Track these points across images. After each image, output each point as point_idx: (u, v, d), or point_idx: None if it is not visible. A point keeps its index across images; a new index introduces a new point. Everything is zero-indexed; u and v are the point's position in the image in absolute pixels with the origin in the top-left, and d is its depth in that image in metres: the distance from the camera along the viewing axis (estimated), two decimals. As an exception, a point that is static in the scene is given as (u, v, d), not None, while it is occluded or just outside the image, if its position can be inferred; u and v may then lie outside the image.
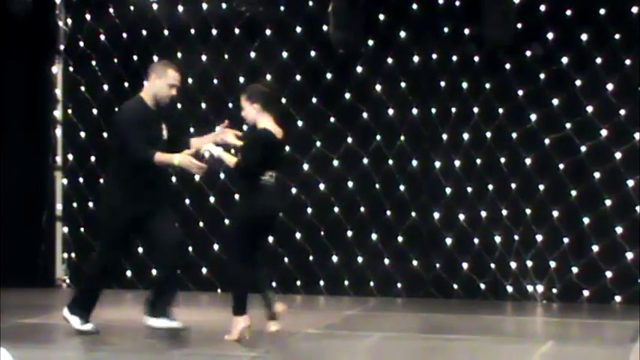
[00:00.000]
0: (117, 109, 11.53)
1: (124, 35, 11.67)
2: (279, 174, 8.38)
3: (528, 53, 10.75)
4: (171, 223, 8.46)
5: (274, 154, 8.13)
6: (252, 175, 8.03)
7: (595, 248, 10.58)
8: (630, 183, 10.50)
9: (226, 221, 11.27)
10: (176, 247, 8.32)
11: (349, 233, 11.05)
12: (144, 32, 11.64)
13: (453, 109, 10.93)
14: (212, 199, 11.45)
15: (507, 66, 10.80)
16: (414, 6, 10.99)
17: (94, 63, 11.74)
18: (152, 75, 8.27)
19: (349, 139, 11.13)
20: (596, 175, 10.58)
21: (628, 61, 10.50)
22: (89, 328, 8.45)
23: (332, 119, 11.16)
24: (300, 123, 11.09)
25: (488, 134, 10.86)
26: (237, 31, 11.41)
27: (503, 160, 10.82)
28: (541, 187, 10.72)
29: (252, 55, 11.34)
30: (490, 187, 10.84)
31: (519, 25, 10.60)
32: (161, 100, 8.29)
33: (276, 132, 8.11)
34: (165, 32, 11.59)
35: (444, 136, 10.94)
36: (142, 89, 8.54)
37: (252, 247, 8.11)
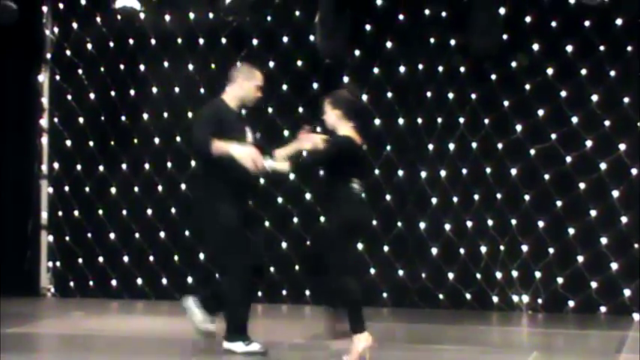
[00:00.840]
0: (103, 117, 11.66)
1: (111, 44, 11.68)
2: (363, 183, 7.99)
3: (514, 64, 10.79)
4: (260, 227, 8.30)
5: (356, 161, 7.89)
6: (340, 183, 7.75)
7: (580, 259, 10.61)
8: (615, 194, 10.54)
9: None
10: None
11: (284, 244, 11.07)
12: (131, 41, 11.65)
13: (439, 120, 10.96)
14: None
15: (493, 76, 10.84)
16: (401, 16, 11.02)
17: (80, 72, 11.75)
18: (239, 77, 8.09)
19: (335, 149, 11.13)
20: (582, 185, 10.62)
21: (613, 73, 10.55)
22: (256, 348, 7.94)
23: (318, 129, 11.15)
24: (286, 132, 11.10)
25: (474, 144, 10.89)
26: (223, 40, 11.43)
27: (488, 170, 10.85)
28: (526, 197, 10.75)
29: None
30: (476, 197, 10.87)
31: (505, 36, 10.65)
32: (247, 102, 8.14)
33: (357, 140, 7.90)
34: (152, 41, 11.60)
35: (430, 146, 10.97)
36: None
37: (349, 259, 7.83)
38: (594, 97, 10.61)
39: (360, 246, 10.98)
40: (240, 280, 7.77)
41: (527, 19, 10.74)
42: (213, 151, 7.71)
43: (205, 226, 8.06)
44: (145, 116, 11.64)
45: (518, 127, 10.78)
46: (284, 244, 11.20)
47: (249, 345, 7.86)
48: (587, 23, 10.59)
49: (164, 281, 11.53)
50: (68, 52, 11.78)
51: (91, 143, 11.74)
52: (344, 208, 7.70)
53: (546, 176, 10.71)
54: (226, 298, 7.87)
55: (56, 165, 11.83)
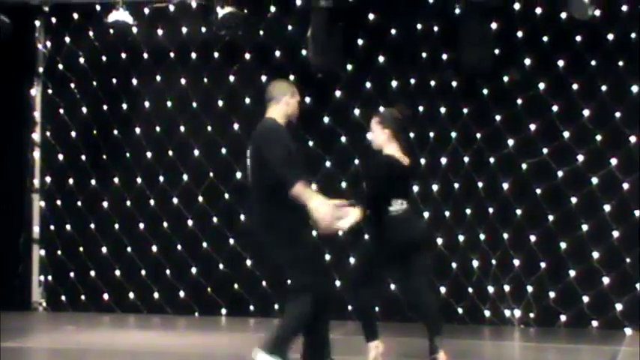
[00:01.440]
0: (95, 131, 11.64)
1: (103, 58, 11.69)
2: (410, 203, 8.01)
3: (506, 79, 10.82)
4: None
5: (400, 181, 7.88)
6: (380, 204, 7.77)
7: (572, 273, 10.62)
8: (607, 208, 10.56)
9: (204, 244, 11.28)
10: None
11: (327, 257, 11.05)
12: (123, 55, 11.66)
13: (431, 134, 10.98)
14: (190, 223, 11.45)
15: (485, 91, 10.87)
16: (393, 31, 11.05)
17: (73, 85, 11.76)
18: (286, 94, 7.56)
19: (327, 163, 11.16)
20: (573, 200, 10.65)
21: (604, 87, 10.59)
22: None
23: (310, 143, 11.18)
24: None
25: (466, 159, 10.91)
26: (216, 54, 11.45)
27: (480, 184, 10.87)
28: (518, 211, 10.77)
29: (232, 78, 11.38)
30: (468, 211, 10.89)
31: (497, 51, 10.68)
32: (292, 119, 7.67)
33: (402, 160, 7.91)
34: (145, 55, 11.61)
35: (423, 161, 10.98)
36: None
37: (378, 274, 8.01)
38: (586, 112, 10.64)
39: (352, 260, 10.99)
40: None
41: (519, 34, 10.78)
42: (293, 192, 7.14)
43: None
44: (137, 130, 11.65)
45: (510, 142, 10.81)
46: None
47: None
48: (578, 38, 10.63)
49: (156, 295, 11.51)
50: (60, 66, 11.79)
51: (83, 157, 11.74)
52: (379, 231, 7.84)
53: (538, 190, 10.73)
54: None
55: (48, 179, 11.83)
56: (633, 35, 10.52)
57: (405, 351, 9.45)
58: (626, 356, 9.10)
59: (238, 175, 11.24)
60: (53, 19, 11.79)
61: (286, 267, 7.39)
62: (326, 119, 11.18)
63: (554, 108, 10.71)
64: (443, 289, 10.89)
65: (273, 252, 7.44)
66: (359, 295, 7.95)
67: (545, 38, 10.71)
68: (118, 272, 11.60)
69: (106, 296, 11.62)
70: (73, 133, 11.77)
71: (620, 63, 10.55)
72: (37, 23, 11.79)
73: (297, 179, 7.13)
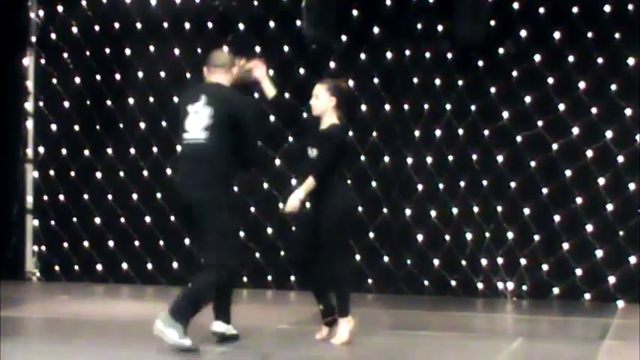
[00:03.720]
0: (88, 101, 11.60)
1: (96, 28, 11.63)
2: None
3: (501, 51, 10.78)
4: None
5: (346, 151, 8.15)
6: (336, 174, 7.91)
7: (565, 246, 10.63)
8: (601, 181, 10.55)
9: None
10: None
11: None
12: (116, 25, 11.60)
13: (426, 106, 10.95)
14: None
15: (480, 63, 10.83)
16: (388, 2, 10.99)
17: (65, 55, 11.70)
18: (235, 66, 7.99)
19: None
20: (567, 173, 10.63)
21: (600, 60, 10.55)
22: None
23: (304, 114, 11.13)
24: (272, 118, 11.08)
25: (461, 131, 10.88)
26: (210, 25, 11.39)
27: (475, 157, 10.85)
28: (512, 184, 10.76)
29: (225, 49, 11.29)
30: (462, 183, 10.87)
31: (492, 23, 10.63)
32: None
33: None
34: (138, 25, 11.55)
35: (417, 133, 10.96)
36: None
37: (347, 243, 8.08)
38: (581, 85, 10.61)
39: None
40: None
41: (515, 5, 10.73)
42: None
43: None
44: (131, 100, 11.61)
45: (505, 114, 10.78)
46: (269, 230, 11.19)
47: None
48: (574, 10, 10.58)
49: (149, 266, 11.51)
50: (53, 36, 11.73)
51: (77, 127, 11.70)
52: (342, 199, 7.87)
53: (532, 163, 10.72)
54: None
55: (41, 149, 11.80)
56: (630, 7, 10.47)
57: (397, 323, 9.47)
58: (618, 329, 9.13)
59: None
60: (46, -12, 11.74)
61: (215, 235, 7.54)
62: (320, 90, 11.12)
63: (550, 80, 10.67)
64: (436, 262, 10.90)
65: (206, 214, 7.57)
66: (340, 271, 7.92)
67: (541, 10, 10.66)
68: (111, 243, 11.59)
69: (99, 266, 11.62)
70: (66, 103, 11.73)
71: (617, 35, 10.50)
72: (30, -8, 11.73)
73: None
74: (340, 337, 7.91)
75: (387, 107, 11.06)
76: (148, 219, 11.53)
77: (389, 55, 11.04)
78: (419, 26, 10.93)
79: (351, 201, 8.05)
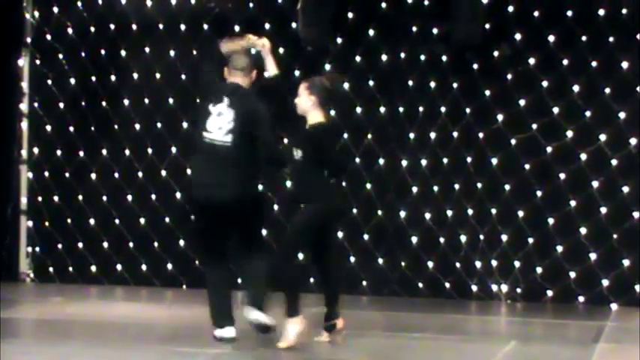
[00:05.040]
0: (83, 103, 11.59)
1: (92, 29, 11.63)
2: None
3: (496, 53, 10.80)
4: None
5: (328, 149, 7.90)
6: (317, 172, 7.76)
7: (559, 249, 10.64)
8: (595, 184, 10.57)
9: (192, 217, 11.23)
10: None
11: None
12: (112, 26, 11.60)
13: (421, 108, 10.96)
14: (178, 195, 11.43)
15: (475, 66, 10.84)
16: (383, 4, 11.01)
17: (61, 56, 11.69)
18: (254, 71, 8.14)
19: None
20: (562, 175, 10.65)
21: (594, 63, 10.57)
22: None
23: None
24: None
25: (455, 134, 10.90)
26: (205, 26, 11.39)
27: (469, 159, 10.86)
28: (507, 187, 10.77)
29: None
30: (456, 186, 10.89)
31: (487, 26, 10.65)
32: None
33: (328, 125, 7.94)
34: (134, 27, 11.55)
35: (411, 135, 10.97)
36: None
37: (309, 246, 7.87)
38: (575, 88, 10.63)
39: (340, 234, 11.00)
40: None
41: (510, 8, 10.75)
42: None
43: None
44: (126, 102, 11.60)
45: (500, 117, 10.80)
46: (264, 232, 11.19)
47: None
48: (569, 13, 10.61)
49: (144, 267, 11.50)
50: (49, 37, 11.73)
51: (71, 128, 11.69)
52: (317, 199, 7.70)
53: (526, 166, 10.73)
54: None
55: (36, 150, 11.79)
56: (624, 11, 10.50)
57: (391, 325, 9.48)
58: (612, 332, 9.14)
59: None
60: (41, -11, 11.73)
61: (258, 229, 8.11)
62: (315, 92, 11.12)
63: (544, 83, 10.69)
64: (430, 264, 10.91)
65: (246, 210, 7.82)
66: (291, 269, 7.77)
67: (535, 13, 10.68)
68: (105, 244, 11.58)
69: (93, 268, 11.61)
70: (61, 104, 11.72)
71: (611, 39, 10.53)
72: (25, -7, 11.73)
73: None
74: (285, 339, 7.67)
75: (382, 109, 11.08)
76: (142, 220, 11.52)
77: (384, 57, 11.05)
78: (414, 28, 10.95)
79: (325, 204, 7.74)
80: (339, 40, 11.12)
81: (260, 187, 8.40)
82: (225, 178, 7.67)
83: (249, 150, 7.75)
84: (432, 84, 10.94)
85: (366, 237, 11.05)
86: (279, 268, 7.75)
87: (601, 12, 10.54)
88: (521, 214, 10.73)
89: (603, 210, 10.54)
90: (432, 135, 10.94)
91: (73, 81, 11.70)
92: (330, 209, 7.83)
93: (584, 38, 10.58)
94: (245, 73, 8.00)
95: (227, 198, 7.66)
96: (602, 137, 10.56)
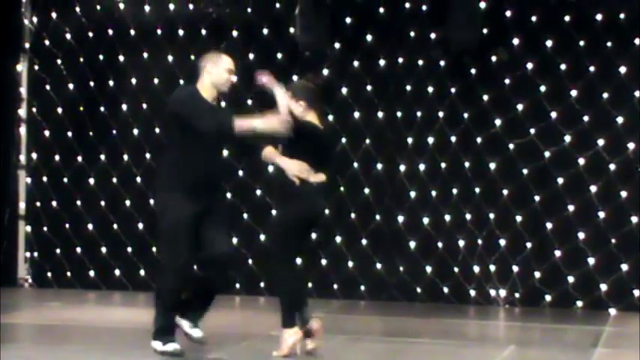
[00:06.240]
0: (81, 108, 11.59)
1: (90, 34, 11.63)
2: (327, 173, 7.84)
3: (494, 58, 10.81)
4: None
5: (320, 150, 7.71)
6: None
7: (557, 253, 10.65)
8: (593, 189, 10.58)
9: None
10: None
11: (313, 235, 11.05)
12: (110, 31, 11.60)
13: (419, 113, 10.97)
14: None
15: (473, 71, 10.86)
16: (381, 10, 11.02)
17: (59, 62, 11.70)
18: (206, 65, 7.66)
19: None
20: (560, 180, 10.66)
21: (592, 68, 10.58)
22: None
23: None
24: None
25: (453, 138, 10.90)
26: (203, 31, 11.40)
27: (467, 164, 10.87)
28: (505, 191, 10.78)
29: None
30: (454, 191, 10.89)
31: (485, 30, 10.66)
32: (221, 88, 7.68)
33: (319, 127, 7.76)
34: (132, 32, 11.56)
35: (409, 140, 10.98)
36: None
37: (294, 252, 7.70)
38: (573, 93, 10.64)
39: (338, 239, 11.01)
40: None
41: (508, 13, 10.76)
42: (236, 130, 7.44)
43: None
44: (124, 107, 11.61)
45: (498, 122, 10.81)
46: (262, 237, 11.19)
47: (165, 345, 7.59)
48: (567, 18, 10.62)
49: (142, 272, 11.50)
50: (47, 42, 11.73)
51: (70, 134, 11.70)
52: (299, 202, 7.57)
53: (525, 171, 10.74)
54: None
55: (34, 155, 11.79)
56: (622, 16, 10.51)
57: (389, 330, 9.48)
58: (610, 337, 9.14)
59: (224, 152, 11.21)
60: (40, -5, 11.74)
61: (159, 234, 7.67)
62: (313, 97, 11.13)
63: (542, 88, 10.70)
64: (429, 269, 10.91)
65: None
66: (283, 277, 7.63)
67: (533, 18, 10.69)
68: (104, 249, 11.58)
69: (91, 273, 11.61)
70: (60, 110, 11.72)
71: (609, 44, 10.54)
72: (24, -2, 11.74)
73: (231, 119, 7.46)
74: (280, 349, 7.58)
75: (380, 114, 11.08)
76: (140, 225, 11.52)
77: (382, 62, 11.06)
78: (412, 33, 10.96)
79: (308, 207, 7.59)
80: (336, 45, 11.13)
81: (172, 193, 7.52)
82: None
83: (173, 147, 7.53)
84: (430, 89, 10.96)
85: (364, 241, 11.05)
86: (273, 276, 7.69)
87: (599, 17, 10.56)
88: (519, 218, 10.74)
89: (601, 215, 10.55)
90: (430, 140, 10.95)
91: (71, 86, 11.71)
92: (310, 214, 7.65)
93: (581, 43, 10.59)
94: (199, 73, 7.68)
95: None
96: (600, 142, 10.57)
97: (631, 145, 10.53)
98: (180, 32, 11.47)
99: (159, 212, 7.60)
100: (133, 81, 11.59)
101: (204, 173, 7.51)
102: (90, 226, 11.63)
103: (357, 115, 11.11)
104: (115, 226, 11.57)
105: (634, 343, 8.49)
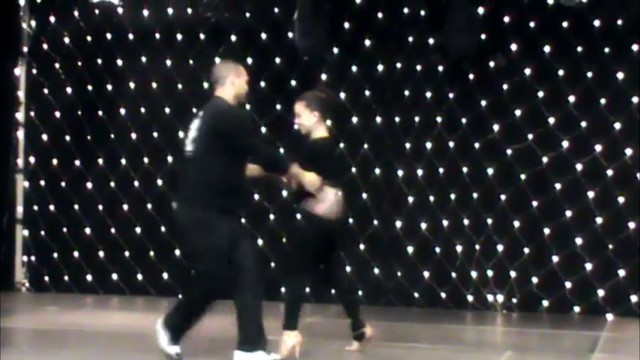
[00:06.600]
0: (79, 112, 11.59)
1: (89, 38, 11.64)
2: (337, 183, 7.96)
3: (492, 64, 10.82)
4: None
5: (332, 164, 7.91)
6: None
7: (555, 259, 10.66)
8: (590, 194, 10.59)
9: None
10: None
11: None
12: (108, 36, 11.61)
13: (417, 118, 10.98)
14: (174, 205, 11.41)
15: (471, 76, 10.87)
16: (379, 15, 11.03)
17: (57, 65, 11.70)
18: (229, 75, 7.47)
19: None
20: (557, 186, 10.67)
21: (590, 74, 10.60)
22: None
23: (296, 126, 11.15)
24: (263, 129, 11.10)
25: (451, 144, 10.91)
26: (202, 36, 11.41)
27: (465, 169, 10.88)
28: (502, 197, 10.79)
29: (217, 60, 11.33)
30: (452, 196, 10.90)
31: (483, 36, 10.67)
32: (241, 99, 7.59)
33: (332, 141, 7.94)
34: (130, 36, 11.57)
35: (407, 145, 10.99)
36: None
37: (312, 260, 7.83)
38: (571, 98, 10.65)
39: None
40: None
41: (506, 19, 10.77)
42: (288, 171, 7.52)
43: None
44: (122, 111, 11.61)
45: (495, 127, 10.82)
46: (260, 241, 11.19)
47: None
48: (565, 24, 10.63)
49: (139, 276, 11.50)
50: (45, 46, 11.74)
51: (68, 138, 11.70)
52: (309, 212, 7.75)
53: (522, 176, 10.75)
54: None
55: (32, 159, 11.79)
56: (619, 22, 10.53)
57: (387, 335, 9.48)
58: (607, 342, 9.15)
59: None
60: (38, -1, 11.75)
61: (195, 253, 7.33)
62: (311, 102, 11.14)
63: (540, 94, 10.72)
64: (426, 274, 10.91)
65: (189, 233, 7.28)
66: (295, 282, 7.84)
67: (531, 24, 10.71)
68: (101, 253, 11.58)
69: (89, 277, 11.61)
70: (58, 114, 11.72)
71: (606, 49, 10.56)
72: (22, 2, 11.72)
73: (286, 159, 7.51)
74: (280, 351, 7.66)
75: (378, 119, 11.09)
76: (138, 230, 11.52)
77: (380, 67, 11.07)
78: (410, 39, 10.97)
79: (323, 221, 7.80)
80: (335, 50, 11.14)
81: (210, 209, 7.28)
82: (182, 193, 7.35)
83: (212, 162, 7.26)
84: (428, 94, 10.97)
85: (361, 246, 11.05)
86: (284, 280, 7.82)
87: (596, 23, 10.57)
88: (516, 224, 10.75)
89: (599, 220, 10.56)
90: (428, 145, 10.96)
91: (69, 90, 11.71)
92: (327, 226, 7.84)
93: (579, 49, 10.61)
94: (220, 83, 7.48)
95: (180, 214, 7.31)
96: (598, 148, 10.58)
97: (628, 151, 10.54)
98: (179, 37, 11.48)
99: (202, 229, 7.19)
100: (132, 85, 11.60)
101: (242, 190, 7.47)
102: (87, 231, 11.63)
103: (355, 120, 11.12)
104: (113, 230, 11.57)
105: (631, 349, 8.49)
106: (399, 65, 11.02)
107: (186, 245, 7.21)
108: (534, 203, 10.71)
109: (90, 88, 11.64)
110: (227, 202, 7.25)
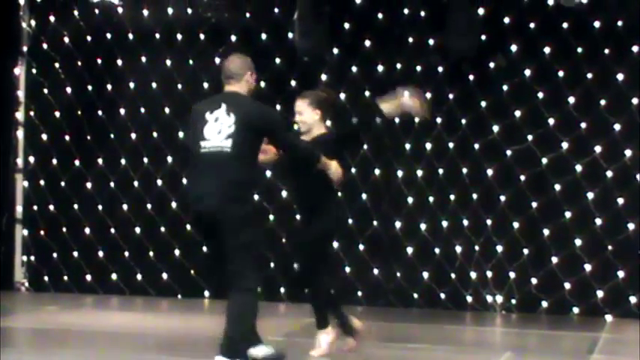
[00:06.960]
0: (79, 112, 11.59)
1: (89, 38, 11.63)
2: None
3: (492, 65, 10.82)
4: None
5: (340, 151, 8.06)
6: (328, 189, 7.77)
7: (554, 260, 10.65)
8: (590, 195, 10.59)
9: (188, 226, 11.22)
10: None
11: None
12: (108, 35, 11.61)
13: (416, 119, 10.97)
14: (173, 205, 11.43)
15: (471, 77, 10.86)
16: (379, 15, 11.03)
17: (57, 65, 11.70)
18: (247, 71, 7.44)
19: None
20: (557, 187, 10.67)
21: (590, 75, 10.59)
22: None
23: (296, 126, 11.15)
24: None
25: (451, 144, 10.91)
26: (202, 36, 11.41)
27: (465, 170, 10.87)
28: (502, 198, 10.79)
29: (217, 60, 11.33)
30: (452, 197, 10.89)
31: (483, 37, 10.67)
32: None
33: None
34: (130, 36, 11.56)
35: (407, 146, 10.98)
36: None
37: (327, 258, 8.03)
38: (571, 99, 10.65)
39: (335, 244, 11.00)
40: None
41: (506, 20, 10.77)
42: (318, 165, 7.56)
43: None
44: (122, 111, 11.61)
45: (495, 128, 10.82)
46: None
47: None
48: (565, 25, 10.63)
49: (139, 276, 11.50)
50: (45, 46, 11.73)
51: (67, 137, 11.69)
52: (331, 215, 7.83)
53: (522, 177, 10.75)
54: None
55: (32, 159, 11.78)
56: (620, 23, 10.53)
57: (386, 336, 9.48)
58: (606, 343, 9.15)
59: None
60: (38, -2, 11.75)
61: (242, 249, 7.08)
62: (311, 103, 11.13)
63: (540, 95, 10.72)
64: (426, 275, 10.91)
65: (233, 228, 7.07)
66: (320, 284, 7.87)
67: (531, 25, 10.70)
68: (101, 253, 11.58)
69: (88, 277, 11.60)
70: (57, 113, 11.72)
71: (607, 51, 10.55)
72: (22, 2, 11.72)
73: (317, 152, 7.56)
74: (318, 348, 7.89)
75: (378, 120, 11.06)
76: (137, 230, 11.52)
77: (380, 67, 11.06)
78: (410, 39, 10.97)
79: (336, 222, 7.94)
80: (335, 51, 11.14)
81: (251, 206, 7.29)
82: (215, 187, 7.04)
83: (249, 158, 7.17)
84: (428, 95, 10.94)
85: (361, 247, 11.05)
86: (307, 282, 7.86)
87: (596, 24, 10.57)
88: (516, 225, 10.75)
89: (598, 221, 10.56)
90: (428, 145, 10.96)
91: (69, 90, 11.71)
92: (336, 228, 8.04)
93: (579, 50, 10.61)
94: (237, 79, 7.38)
95: (215, 207, 7.02)
96: (598, 149, 10.58)
97: (628, 152, 10.54)
98: (179, 37, 11.47)
99: (243, 224, 7.06)
100: (131, 85, 11.59)
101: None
102: (87, 230, 11.62)
103: (354, 120, 11.10)
104: (113, 230, 11.57)
105: (630, 350, 8.50)
106: (399, 66, 11.01)
107: (225, 242, 7.06)
108: (534, 204, 10.71)
109: (90, 88, 11.63)
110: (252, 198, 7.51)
